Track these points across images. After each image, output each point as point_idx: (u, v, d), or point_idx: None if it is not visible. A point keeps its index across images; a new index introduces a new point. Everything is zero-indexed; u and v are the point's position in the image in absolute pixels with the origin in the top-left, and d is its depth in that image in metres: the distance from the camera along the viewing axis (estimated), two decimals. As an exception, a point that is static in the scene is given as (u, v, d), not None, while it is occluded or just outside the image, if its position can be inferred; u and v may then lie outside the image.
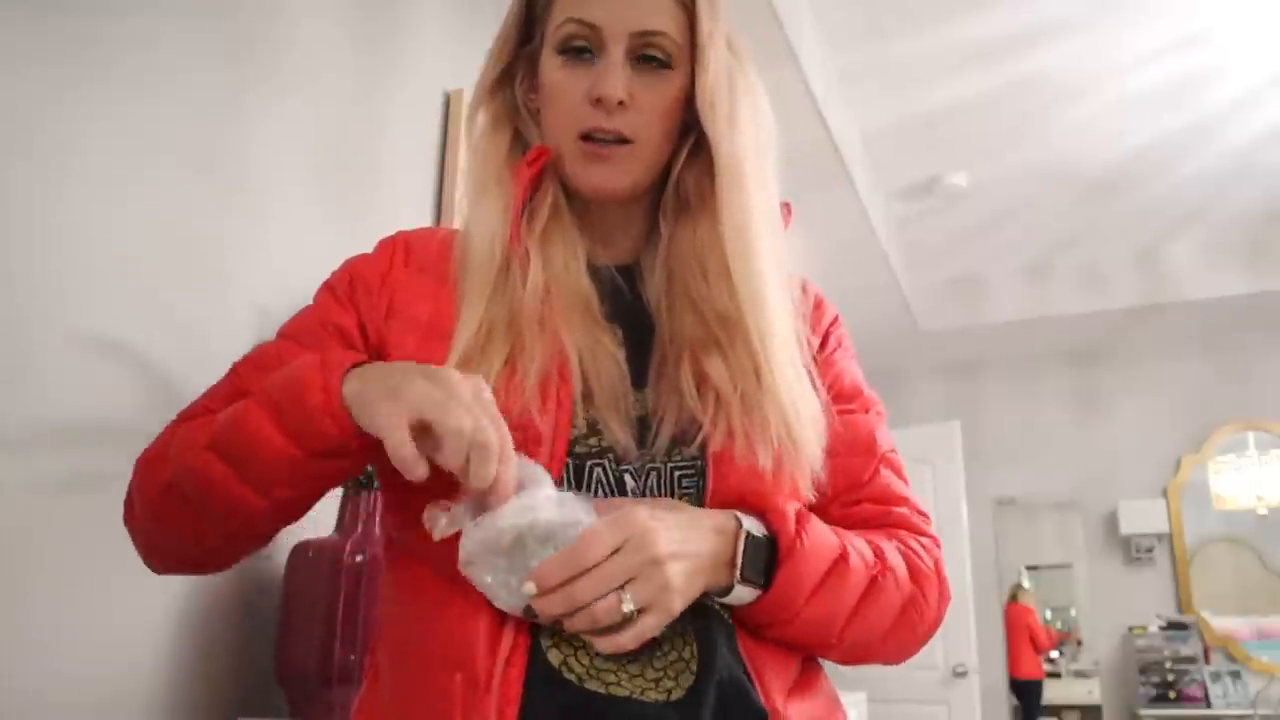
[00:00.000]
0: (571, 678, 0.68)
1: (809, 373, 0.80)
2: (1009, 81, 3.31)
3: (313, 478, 0.70)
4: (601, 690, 0.67)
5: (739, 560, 0.70)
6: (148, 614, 1.27)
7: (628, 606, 0.63)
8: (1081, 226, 4.38)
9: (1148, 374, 5.06)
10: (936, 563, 0.81)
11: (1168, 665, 4.60)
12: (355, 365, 0.68)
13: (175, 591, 1.31)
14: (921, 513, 0.84)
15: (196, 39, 1.45)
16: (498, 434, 0.62)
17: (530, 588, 0.63)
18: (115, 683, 1.21)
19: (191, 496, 0.71)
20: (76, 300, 1.21)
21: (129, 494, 0.78)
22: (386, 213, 1.85)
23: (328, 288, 0.86)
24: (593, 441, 0.74)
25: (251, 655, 1.40)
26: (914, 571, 0.78)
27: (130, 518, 0.78)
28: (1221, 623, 4.68)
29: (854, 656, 0.78)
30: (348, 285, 0.84)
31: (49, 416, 1.17)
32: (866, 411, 0.86)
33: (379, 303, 0.81)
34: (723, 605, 0.73)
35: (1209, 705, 4.50)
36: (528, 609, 0.65)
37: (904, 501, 0.83)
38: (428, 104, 2.03)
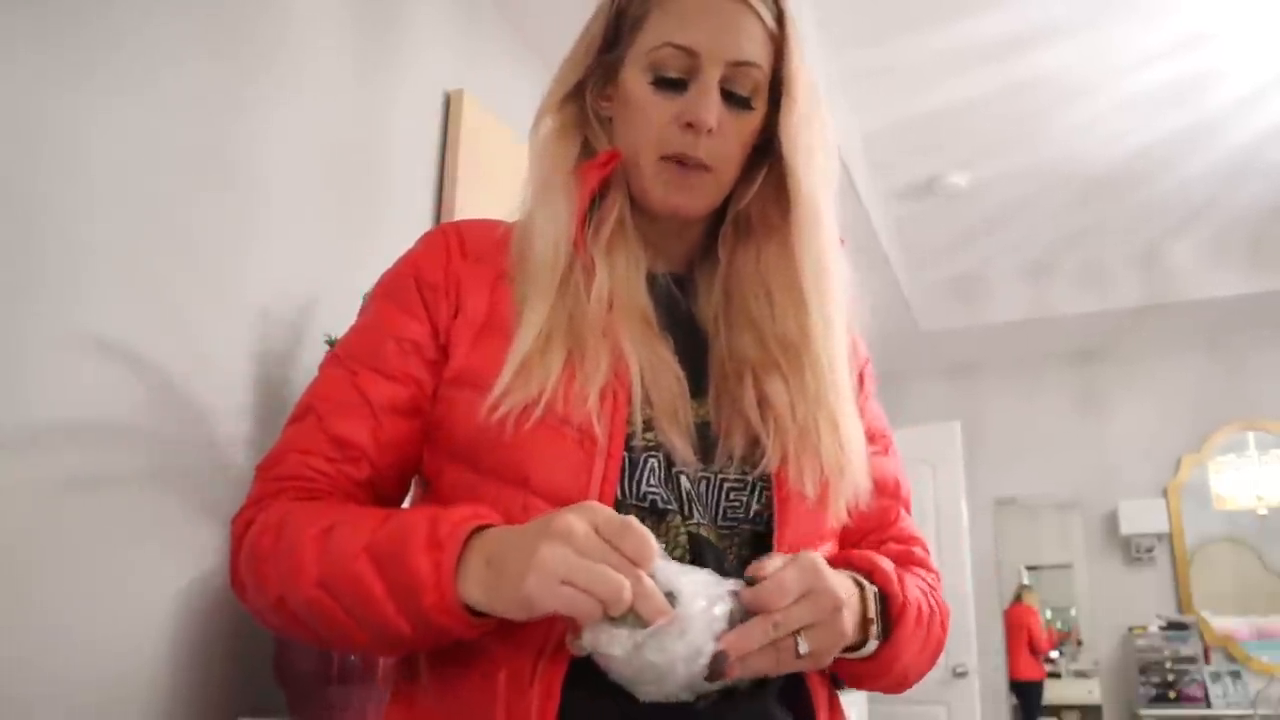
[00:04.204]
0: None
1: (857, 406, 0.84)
2: (1009, 81, 3.30)
3: (428, 646, 0.71)
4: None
5: (874, 618, 0.73)
6: (148, 614, 1.27)
7: (804, 648, 0.64)
8: (1082, 226, 4.37)
9: (1148, 374, 5.05)
10: (941, 595, 0.88)
11: (1168, 665, 4.59)
12: (468, 536, 0.64)
13: (175, 591, 1.31)
14: (927, 549, 0.91)
15: (196, 37, 1.45)
16: (639, 548, 0.60)
17: (720, 647, 0.61)
18: (115, 682, 1.21)
19: (308, 623, 0.70)
20: (76, 300, 1.21)
21: (236, 566, 0.75)
22: (386, 213, 1.85)
23: (388, 297, 0.82)
24: (649, 436, 0.75)
25: (251, 655, 1.40)
26: (942, 615, 0.85)
27: (240, 593, 0.76)
28: (1221, 623, 4.67)
29: (896, 689, 0.83)
30: (414, 291, 0.80)
31: (49, 416, 1.17)
32: (886, 451, 0.91)
33: (448, 301, 0.79)
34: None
35: (1209, 705, 4.50)
36: (713, 671, 0.62)
37: (918, 541, 0.90)
38: (428, 104, 2.03)
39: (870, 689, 0.81)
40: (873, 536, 0.88)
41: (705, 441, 0.76)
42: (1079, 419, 5.11)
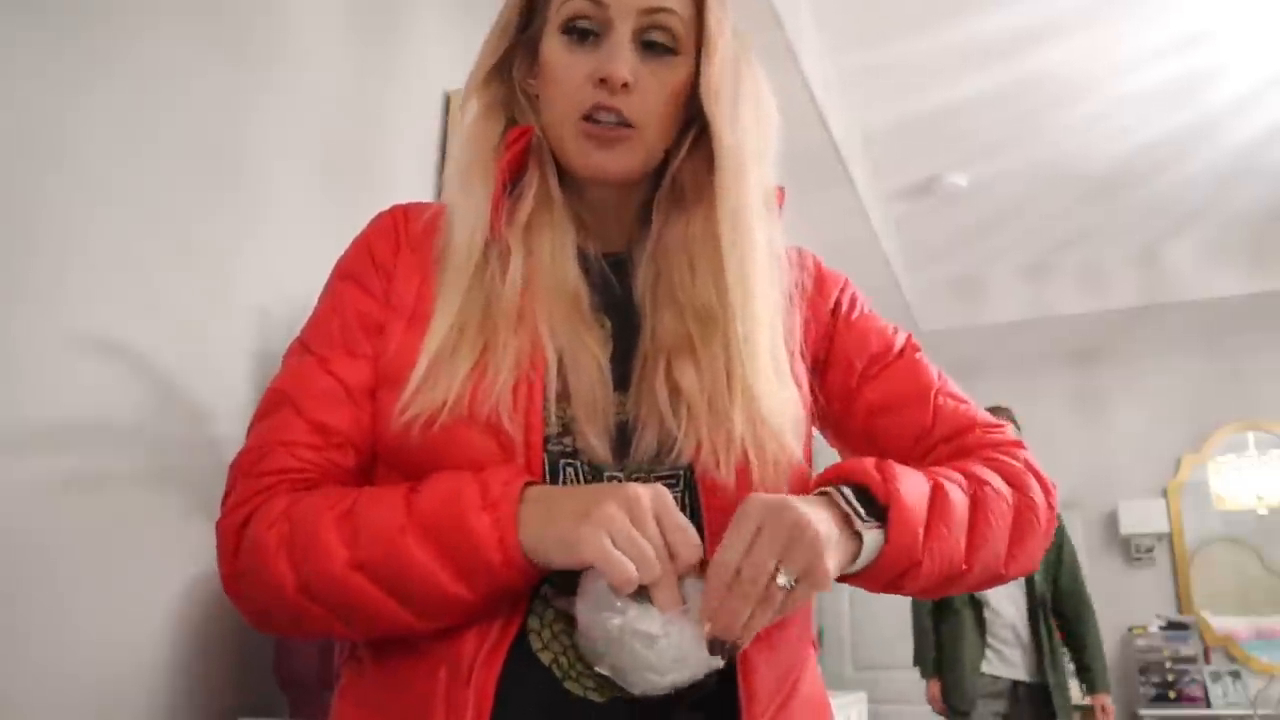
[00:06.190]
0: (557, 673, 0.68)
1: (793, 368, 0.79)
2: (1009, 81, 3.31)
3: (485, 610, 0.67)
4: (579, 691, 0.68)
5: (851, 513, 0.66)
6: (148, 614, 1.27)
7: (783, 580, 0.60)
8: (1082, 226, 4.38)
9: (1148, 374, 5.05)
10: (1026, 461, 0.80)
11: (1168, 665, 4.59)
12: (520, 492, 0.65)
13: (175, 592, 1.31)
14: (993, 425, 0.84)
15: (195, 37, 1.44)
16: (688, 547, 0.62)
17: (710, 628, 0.61)
18: (115, 683, 1.21)
19: (340, 611, 0.67)
20: (76, 300, 1.21)
21: (228, 568, 0.72)
22: (386, 213, 1.85)
23: (349, 279, 0.81)
24: (566, 441, 0.72)
25: (251, 655, 1.40)
26: (1008, 476, 0.78)
27: (238, 595, 0.72)
28: (1221, 623, 4.68)
29: (990, 578, 0.76)
30: (372, 270, 0.80)
31: (49, 416, 1.16)
32: (903, 355, 0.87)
33: (393, 282, 0.79)
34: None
35: (1209, 705, 4.49)
36: (720, 649, 0.61)
37: (972, 426, 0.83)
38: (428, 104, 2.03)
39: (950, 586, 0.72)
40: (915, 450, 0.82)
41: (625, 440, 0.73)
42: (1078, 419, 5.11)
